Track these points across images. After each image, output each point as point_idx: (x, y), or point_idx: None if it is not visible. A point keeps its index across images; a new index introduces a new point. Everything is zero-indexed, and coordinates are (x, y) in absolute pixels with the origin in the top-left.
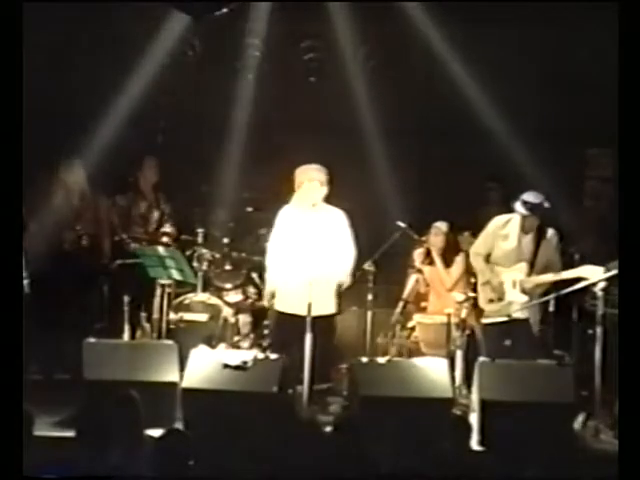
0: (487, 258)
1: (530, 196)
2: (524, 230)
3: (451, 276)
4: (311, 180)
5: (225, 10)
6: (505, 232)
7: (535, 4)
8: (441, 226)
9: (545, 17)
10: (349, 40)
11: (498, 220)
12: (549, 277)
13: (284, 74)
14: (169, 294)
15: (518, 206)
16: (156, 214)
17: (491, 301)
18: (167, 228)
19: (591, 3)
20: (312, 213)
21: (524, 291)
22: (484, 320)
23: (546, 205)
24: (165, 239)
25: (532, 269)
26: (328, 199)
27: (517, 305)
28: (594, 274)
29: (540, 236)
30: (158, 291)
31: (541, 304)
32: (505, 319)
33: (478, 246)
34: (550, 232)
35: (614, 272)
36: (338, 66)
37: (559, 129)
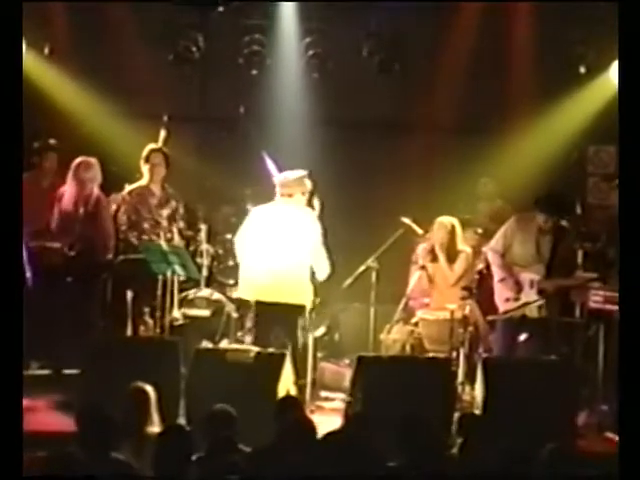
0: (504, 255)
1: (553, 200)
2: (542, 232)
3: (454, 272)
4: None
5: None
6: (523, 232)
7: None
8: (445, 221)
9: (546, 13)
10: (351, 37)
11: (518, 219)
12: (568, 281)
13: (286, 70)
14: (172, 290)
15: (540, 209)
16: (166, 211)
17: (507, 300)
18: (180, 224)
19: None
20: None
21: (540, 292)
22: (493, 317)
23: (572, 211)
24: (175, 237)
25: (549, 270)
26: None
27: (533, 306)
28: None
29: (559, 237)
30: (161, 286)
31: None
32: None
33: (496, 244)
34: (569, 232)
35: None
36: (340, 62)
37: (560, 126)
